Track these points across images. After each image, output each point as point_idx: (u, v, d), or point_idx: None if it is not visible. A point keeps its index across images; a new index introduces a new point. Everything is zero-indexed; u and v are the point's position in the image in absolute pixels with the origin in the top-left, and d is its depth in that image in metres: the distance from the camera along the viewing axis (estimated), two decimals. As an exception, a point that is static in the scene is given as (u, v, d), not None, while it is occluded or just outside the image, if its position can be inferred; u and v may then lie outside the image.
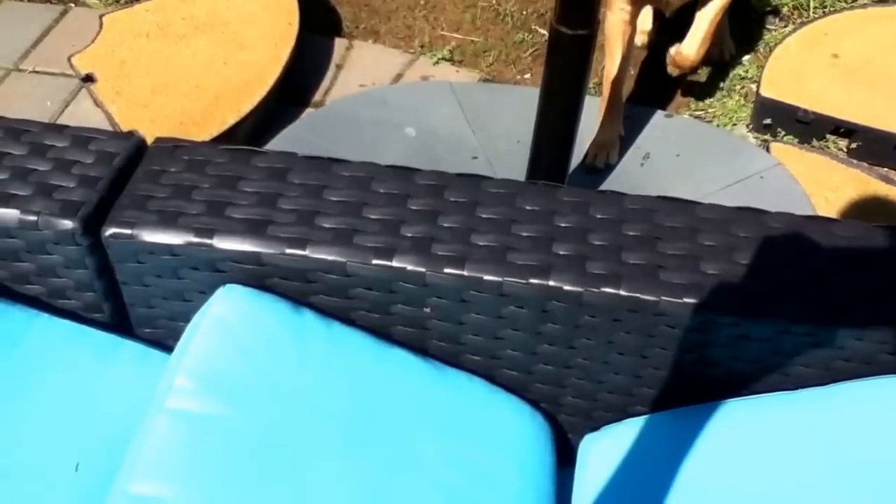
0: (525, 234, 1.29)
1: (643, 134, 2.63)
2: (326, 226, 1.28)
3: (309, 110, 2.90)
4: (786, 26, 3.52)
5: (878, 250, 1.27)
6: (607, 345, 1.30)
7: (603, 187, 2.44)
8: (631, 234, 1.29)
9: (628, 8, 2.60)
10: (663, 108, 2.95)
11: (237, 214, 1.28)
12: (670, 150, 2.58)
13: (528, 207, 1.33)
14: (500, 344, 1.34)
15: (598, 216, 1.32)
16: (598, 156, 2.66)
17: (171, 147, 1.39)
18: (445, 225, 1.29)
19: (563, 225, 1.30)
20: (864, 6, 3.54)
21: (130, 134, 1.43)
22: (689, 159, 2.54)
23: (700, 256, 1.25)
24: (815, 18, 3.45)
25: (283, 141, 2.54)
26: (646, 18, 3.29)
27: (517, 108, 2.50)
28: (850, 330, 1.19)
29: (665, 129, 2.63)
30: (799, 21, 3.53)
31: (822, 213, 2.59)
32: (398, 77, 3.11)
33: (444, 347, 1.37)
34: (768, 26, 3.56)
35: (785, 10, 3.62)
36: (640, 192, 2.35)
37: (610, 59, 2.69)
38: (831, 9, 3.56)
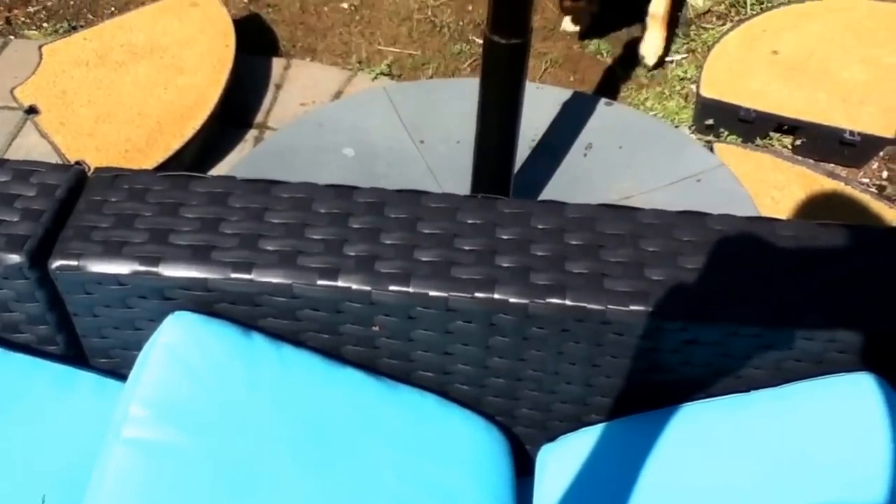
0: (468, 247, 1.29)
1: (585, 123, 2.63)
2: (270, 248, 1.28)
3: (252, 132, 2.90)
4: (724, 24, 3.55)
5: (821, 248, 1.28)
6: (557, 355, 1.30)
7: (549, 180, 2.44)
8: (574, 243, 1.29)
9: None
10: (605, 98, 2.95)
11: (181, 241, 1.28)
12: (613, 141, 2.57)
13: (469, 221, 1.33)
14: (450, 359, 1.34)
15: (540, 226, 1.32)
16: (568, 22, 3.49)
17: (112, 177, 1.38)
18: (388, 242, 1.29)
19: (505, 237, 1.30)
20: (801, 1, 3.57)
21: (71, 166, 1.42)
22: (632, 152, 2.55)
23: (644, 263, 1.26)
24: (753, 15, 3.47)
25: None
26: None
27: (454, 104, 2.50)
28: (798, 330, 1.20)
29: (607, 118, 2.63)
30: (737, 19, 3.56)
31: (767, 212, 2.61)
32: (338, 94, 3.11)
33: (395, 365, 1.37)
34: (706, 25, 3.60)
35: (722, 7, 3.65)
36: (584, 185, 2.40)
37: None
38: (769, 5, 3.59)
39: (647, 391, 1.35)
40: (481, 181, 2.17)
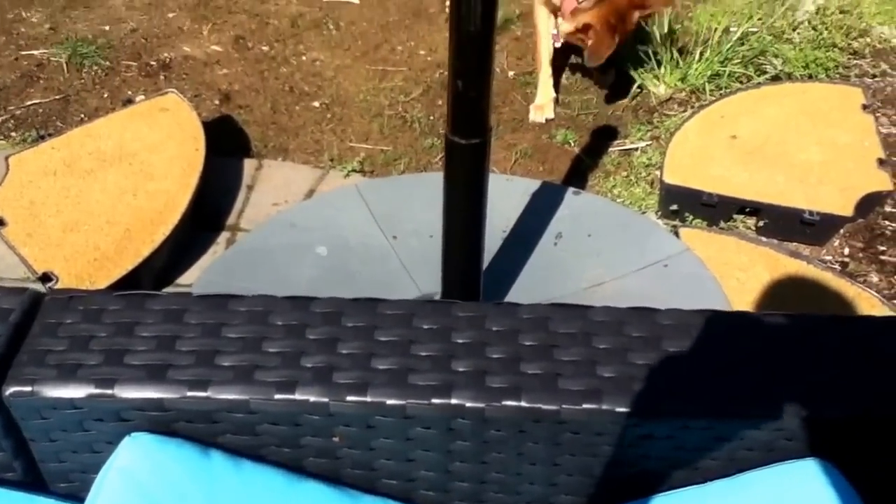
0: (424, 353, 1.30)
1: (555, 213, 2.66)
2: (226, 364, 1.28)
3: (225, 234, 2.92)
4: (685, 111, 3.62)
5: (767, 338, 1.30)
6: (518, 457, 1.31)
7: (520, 271, 2.46)
8: (528, 343, 1.31)
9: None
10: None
11: (136, 361, 1.28)
12: (582, 229, 2.60)
13: (425, 326, 1.34)
14: (413, 466, 1.35)
15: (495, 328, 1.33)
16: (536, 113, 3.68)
17: (66, 298, 1.38)
18: (345, 352, 1.30)
19: (460, 341, 1.32)
20: (757, 86, 3.67)
21: (25, 289, 1.42)
22: (601, 239, 2.57)
23: (596, 360, 1.27)
24: (712, 101, 3.56)
25: (201, 290, 2.53)
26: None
27: (425, 198, 2.51)
28: (746, 420, 1.22)
29: (576, 207, 2.66)
30: (697, 105, 3.63)
31: (733, 294, 2.64)
32: (310, 192, 3.15)
33: (358, 475, 1.37)
34: (667, 112, 3.67)
35: (683, 94, 3.73)
36: (556, 274, 2.42)
37: (538, 41, 3.63)
38: (726, 90, 3.68)
39: (609, 487, 1.35)
40: (451, 277, 2.18)
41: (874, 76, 3.95)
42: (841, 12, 4.30)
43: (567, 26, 3.43)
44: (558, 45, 3.60)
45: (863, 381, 1.26)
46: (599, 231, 2.62)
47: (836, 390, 1.24)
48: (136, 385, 1.26)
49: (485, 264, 2.36)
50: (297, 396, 1.25)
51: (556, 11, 3.53)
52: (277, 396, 1.25)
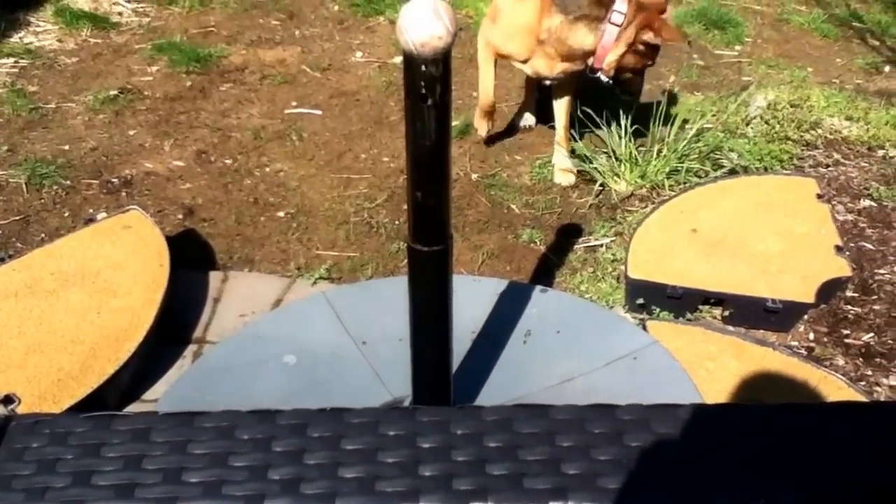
0: (391, 460, 1.31)
1: (523, 311, 2.68)
2: (194, 480, 1.28)
3: (191, 348, 2.92)
4: (646, 206, 3.68)
5: (724, 429, 1.32)
6: (488, 558, 1.31)
7: (491, 371, 2.47)
8: (492, 445, 1.32)
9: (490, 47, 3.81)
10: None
11: (103, 482, 1.28)
12: (551, 326, 2.62)
13: (391, 433, 1.35)
14: (385, 574, 1.34)
15: (460, 432, 1.34)
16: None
17: (32, 422, 1.39)
18: (312, 462, 1.31)
19: (426, 446, 1.33)
20: (714, 180, 3.74)
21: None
22: (570, 335, 2.60)
23: (560, 458, 1.28)
24: (671, 196, 3.62)
25: (167, 406, 2.52)
26: None
27: (393, 302, 2.53)
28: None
29: (543, 305, 2.69)
30: (657, 200, 3.70)
31: (703, 383, 2.66)
32: (278, 302, 3.16)
33: (332, 585, 1.36)
34: (629, 208, 3.73)
35: (643, 190, 3.80)
36: (526, 372, 2.43)
37: (482, 75, 3.95)
38: (685, 185, 3.75)
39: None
40: (421, 381, 2.19)
41: (828, 166, 4.05)
42: (791, 106, 4.42)
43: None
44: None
45: (816, 465, 1.28)
46: (568, 327, 2.64)
47: (792, 476, 1.26)
48: (104, 506, 1.25)
49: (455, 365, 2.38)
50: (266, 509, 1.25)
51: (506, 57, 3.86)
52: (246, 510, 1.25)
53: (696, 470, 1.27)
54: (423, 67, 1.60)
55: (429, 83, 1.64)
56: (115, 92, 4.43)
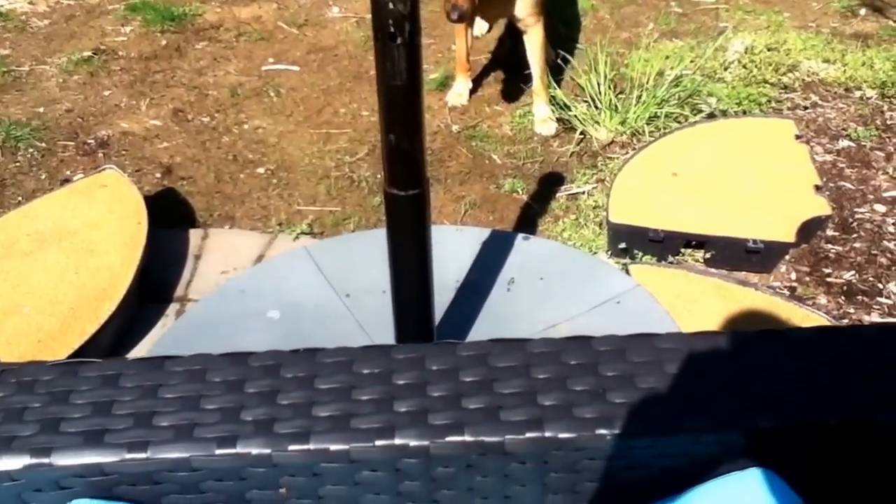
0: (366, 397, 1.29)
1: (506, 259, 2.67)
2: (164, 424, 1.26)
3: (174, 306, 2.90)
4: (626, 153, 3.66)
5: (701, 356, 1.31)
6: (468, 491, 1.30)
7: (475, 319, 2.46)
8: (468, 379, 1.30)
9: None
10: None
11: (72, 428, 1.26)
12: (533, 274, 2.61)
13: (366, 371, 1.33)
14: (363, 511, 1.33)
15: (435, 368, 1.33)
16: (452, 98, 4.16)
17: (-1, 371, 1.37)
18: (285, 402, 1.29)
19: (401, 382, 1.31)
20: (692, 124, 3.72)
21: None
22: (553, 282, 2.59)
23: (536, 390, 1.27)
24: (651, 142, 3.60)
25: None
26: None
27: (376, 255, 2.51)
28: (687, 435, 1.22)
29: (526, 252, 2.68)
30: (638, 146, 3.68)
31: (686, 325, 2.65)
32: (259, 258, 3.14)
33: (309, 525, 1.35)
34: (610, 155, 3.71)
35: (624, 137, 3.78)
36: (510, 320, 2.42)
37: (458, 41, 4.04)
38: (665, 130, 3.73)
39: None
40: (405, 330, 2.18)
41: (806, 108, 4.03)
42: (769, 50, 4.40)
43: None
44: None
45: (795, 391, 1.27)
46: (551, 274, 2.63)
47: (769, 401, 1.25)
48: (73, 451, 1.23)
49: (439, 315, 2.37)
50: (239, 450, 1.23)
51: None
52: (219, 452, 1.23)
53: (672, 396, 1.25)
54: (391, 5, 1.58)
55: (397, 21, 1.62)
56: (89, 53, 4.38)
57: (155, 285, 2.96)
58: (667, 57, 4.30)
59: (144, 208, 3.00)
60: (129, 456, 1.23)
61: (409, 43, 1.65)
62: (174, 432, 1.25)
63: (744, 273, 3.11)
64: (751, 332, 1.35)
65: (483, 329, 2.44)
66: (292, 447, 1.23)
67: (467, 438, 1.23)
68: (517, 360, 1.33)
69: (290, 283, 2.59)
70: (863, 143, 3.78)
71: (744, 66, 4.28)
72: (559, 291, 2.56)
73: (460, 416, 1.25)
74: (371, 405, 1.28)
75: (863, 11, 4.99)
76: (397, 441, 1.23)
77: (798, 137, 3.60)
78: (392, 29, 1.62)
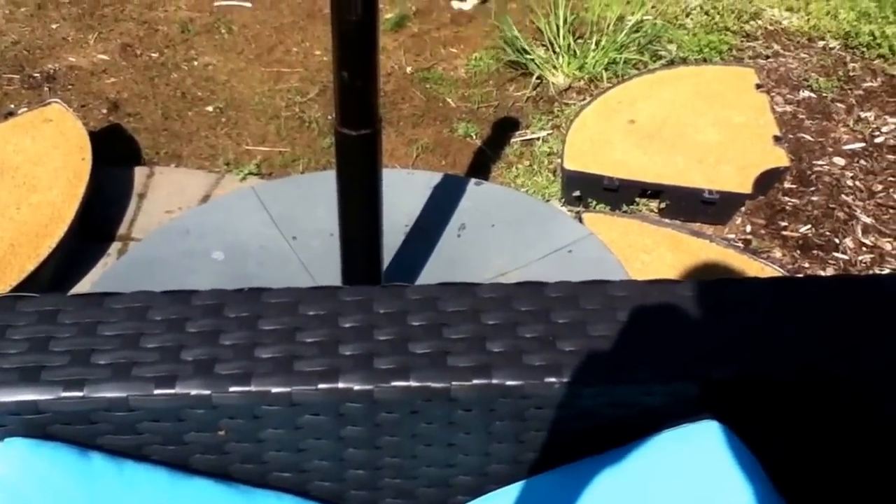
0: (310, 339, 1.26)
1: (457, 205, 2.64)
2: (102, 362, 1.23)
3: (116, 245, 2.84)
4: (584, 99, 3.63)
5: (653, 305, 1.29)
6: (412, 438, 1.28)
7: (424, 265, 2.44)
8: (416, 324, 1.28)
9: None
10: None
11: (7, 364, 1.22)
12: (485, 220, 2.59)
13: (311, 313, 1.30)
14: (304, 456, 1.31)
15: (382, 311, 1.30)
16: None
17: (-70, 305, 1.32)
18: (227, 343, 1.26)
19: (347, 325, 1.28)
20: (651, 71, 3.69)
21: None
22: (504, 229, 2.57)
23: (485, 336, 1.25)
24: (608, 88, 3.57)
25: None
26: None
27: (324, 197, 2.48)
28: (638, 385, 1.20)
29: (478, 198, 2.66)
30: (596, 92, 3.65)
31: (637, 275, 2.64)
32: (205, 198, 3.08)
33: (249, 469, 1.32)
34: (567, 101, 3.68)
35: (581, 83, 3.74)
36: (460, 266, 2.40)
37: None
38: (623, 77, 3.70)
39: (508, 463, 1.33)
40: (351, 273, 2.15)
41: (767, 57, 4.01)
42: (731, -5, 4.37)
43: None
44: None
45: (749, 342, 1.26)
46: (503, 221, 2.61)
47: (723, 351, 1.24)
48: (8, 388, 1.19)
49: (387, 260, 2.34)
50: (178, 390, 1.20)
51: None
52: (157, 392, 1.20)
53: (623, 345, 1.24)
54: (346, -64, 1.54)
55: (351, -46, 1.58)
56: (37, -16, 4.26)
57: (97, 223, 2.89)
58: (628, 2, 4.25)
59: (89, 144, 2.92)
60: (64, 394, 1.20)
61: (364, -25, 1.61)
62: (112, 371, 1.22)
63: (699, 224, 3.10)
64: (706, 281, 1.33)
65: (432, 274, 2.42)
66: (233, 388, 1.21)
67: (412, 384, 1.20)
68: (466, 305, 1.31)
69: (236, 223, 2.55)
70: (824, 95, 3.77)
71: (705, 13, 4.25)
72: (511, 238, 2.54)
73: (406, 360, 1.23)
74: (315, 348, 1.25)
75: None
76: (341, 385, 1.21)
77: (758, 87, 3.59)
78: (345, -38, 1.59)
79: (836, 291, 1.35)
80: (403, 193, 2.63)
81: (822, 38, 4.15)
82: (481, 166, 3.40)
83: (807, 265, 2.97)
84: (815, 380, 1.23)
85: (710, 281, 1.34)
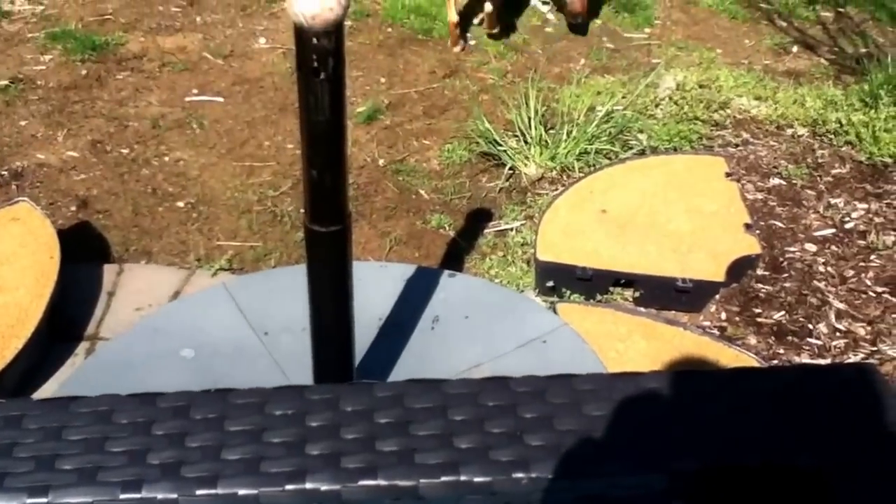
0: (277, 440, 1.25)
1: (431, 297, 2.64)
2: (68, 467, 1.22)
3: (84, 345, 2.82)
4: (556, 189, 3.66)
5: (619, 398, 1.30)
6: (381, 537, 1.26)
7: (397, 359, 2.43)
8: (383, 421, 1.27)
9: None
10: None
11: (-31, 472, 1.20)
12: (459, 312, 2.59)
13: (278, 412, 1.30)
14: (273, 558, 1.28)
15: (350, 409, 1.29)
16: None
17: None
18: (194, 445, 1.25)
19: (314, 424, 1.27)
20: (623, 161, 3.73)
21: None
22: (478, 320, 2.57)
23: (453, 433, 1.24)
24: (581, 178, 3.60)
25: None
26: None
27: (295, 291, 2.48)
28: (604, 478, 1.20)
29: (451, 290, 2.66)
30: (568, 182, 3.68)
31: (613, 365, 2.63)
32: (176, 294, 3.07)
33: (217, 573, 1.30)
34: (539, 191, 3.70)
35: (553, 173, 3.77)
36: (434, 359, 2.39)
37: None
38: (595, 166, 3.74)
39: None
40: (323, 369, 2.14)
41: (737, 145, 4.06)
42: (700, 87, 4.43)
43: None
44: None
45: (715, 433, 1.26)
46: (476, 312, 2.61)
47: (689, 443, 1.24)
48: (-31, 497, 1.18)
49: (361, 354, 2.33)
50: (144, 494, 1.19)
51: None
52: (123, 496, 1.19)
53: (590, 438, 1.23)
54: (315, 40, 1.56)
55: (321, 56, 1.61)
56: (6, 82, 4.27)
57: (65, 322, 2.86)
58: (598, 92, 4.31)
59: (57, 242, 2.90)
60: (29, 500, 1.19)
61: (333, 78, 1.63)
62: (77, 476, 1.21)
63: (673, 312, 3.11)
64: (672, 372, 1.34)
65: (406, 369, 2.41)
66: (200, 491, 1.20)
67: (381, 482, 1.20)
68: (434, 402, 1.30)
69: (207, 320, 2.54)
70: (794, 182, 3.81)
71: (675, 103, 4.31)
72: (484, 330, 2.54)
73: (374, 459, 1.22)
74: (282, 448, 1.24)
75: (795, 49, 5.07)
76: (308, 485, 1.20)
77: (728, 175, 3.62)
78: (316, 64, 1.61)
79: (800, 381, 1.36)
80: (377, 287, 2.63)
81: (791, 126, 4.22)
82: (455, 258, 3.41)
83: (781, 351, 2.97)
84: (778, 471, 1.23)
85: (676, 372, 1.34)
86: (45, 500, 1.18)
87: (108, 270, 3.13)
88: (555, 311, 2.92)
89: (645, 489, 1.22)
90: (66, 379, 2.56)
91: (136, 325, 2.66)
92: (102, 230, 3.41)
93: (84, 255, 3.20)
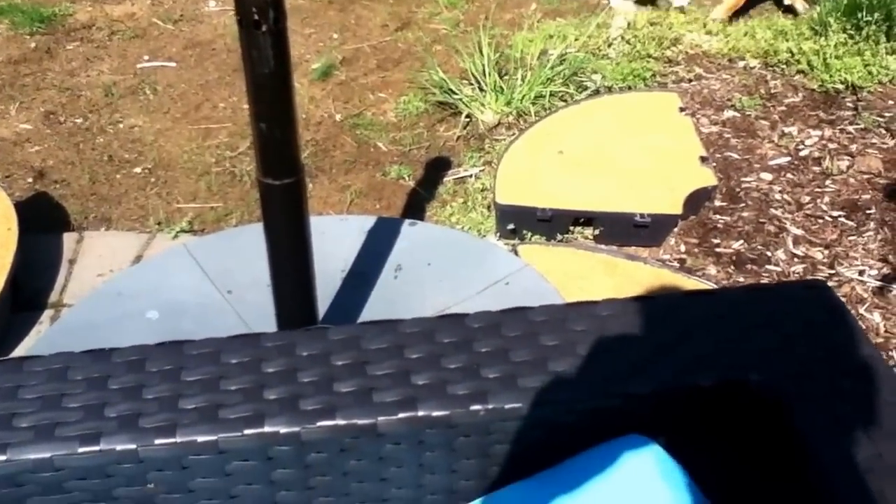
0: (234, 387, 1.26)
1: (393, 246, 2.64)
2: (24, 425, 1.22)
3: (48, 313, 2.81)
4: (513, 134, 3.66)
5: (580, 326, 1.31)
6: (343, 476, 1.27)
7: (362, 308, 2.44)
8: (340, 363, 1.28)
9: None
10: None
11: (-73, 435, 1.20)
12: (421, 259, 2.60)
13: (234, 361, 1.30)
14: (237, 502, 1.29)
15: (305, 353, 1.30)
16: None
17: None
18: (150, 397, 1.25)
19: (271, 370, 1.28)
20: (577, 102, 3.74)
21: None
22: (440, 267, 2.58)
23: (409, 370, 1.25)
24: (537, 121, 3.60)
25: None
26: None
27: (258, 249, 2.49)
28: (559, 405, 1.21)
29: (413, 238, 2.66)
30: (525, 126, 3.68)
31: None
32: (137, 259, 3.06)
33: (182, 521, 1.31)
34: (497, 137, 3.70)
35: (510, 118, 3.77)
36: (399, 307, 2.40)
37: None
38: (550, 109, 3.74)
39: (441, 494, 1.33)
40: (286, 323, 2.15)
41: (690, 80, 4.07)
42: (651, 24, 4.44)
43: None
44: None
45: (667, 355, 1.28)
46: (439, 259, 2.61)
47: (642, 366, 1.25)
48: (-72, 459, 1.18)
49: (325, 307, 2.33)
50: (103, 447, 1.19)
51: None
52: (82, 449, 1.19)
53: (545, 367, 1.25)
54: (253, -8, 1.56)
55: (261, 8, 1.61)
56: (-46, 58, 4.23)
57: (28, 292, 2.85)
58: (550, 36, 4.30)
59: (14, 214, 2.88)
60: (-14, 459, 1.18)
61: (275, 30, 1.64)
62: (34, 433, 1.21)
63: (634, 248, 3.13)
64: (624, 299, 1.35)
65: (370, 318, 2.41)
66: (158, 441, 1.20)
67: (339, 422, 1.21)
68: (390, 342, 1.31)
69: (170, 282, 2.53)
70: (748, 113, 3.83)
71: (627, 42, 4.31)
72: (447, 276, 2.55)
73: (331, 400, 1.23)
74: (239, 395, 1.25)
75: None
76: (267, 429, 1.21)
77: (682, 110, 3.64)
78: (256, 16, 1.61)
79: (748, 300, 1.38)
80: (338, 239, 2.63)
81: (742, 59, 4.23)
82: (416, 207, 3.41)
83: (742, 280, 3.00)
84: (731, 389, 1.25)
85: (628, 299, 1.35)
86: (3, 457, 1.18)
87: (69, 239, 3.12)
88: (516, 254, 2.93)
89: (600, 414, 1.24)
90: (31, 346, 2.55)
91: (98, 289, 2.65)
92: (60, 200, 3.39)
93: (43, 226, 3.19)
